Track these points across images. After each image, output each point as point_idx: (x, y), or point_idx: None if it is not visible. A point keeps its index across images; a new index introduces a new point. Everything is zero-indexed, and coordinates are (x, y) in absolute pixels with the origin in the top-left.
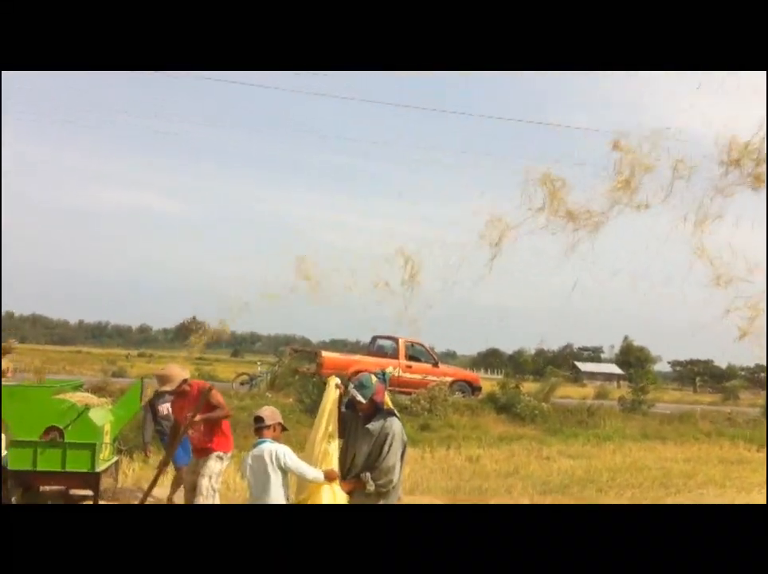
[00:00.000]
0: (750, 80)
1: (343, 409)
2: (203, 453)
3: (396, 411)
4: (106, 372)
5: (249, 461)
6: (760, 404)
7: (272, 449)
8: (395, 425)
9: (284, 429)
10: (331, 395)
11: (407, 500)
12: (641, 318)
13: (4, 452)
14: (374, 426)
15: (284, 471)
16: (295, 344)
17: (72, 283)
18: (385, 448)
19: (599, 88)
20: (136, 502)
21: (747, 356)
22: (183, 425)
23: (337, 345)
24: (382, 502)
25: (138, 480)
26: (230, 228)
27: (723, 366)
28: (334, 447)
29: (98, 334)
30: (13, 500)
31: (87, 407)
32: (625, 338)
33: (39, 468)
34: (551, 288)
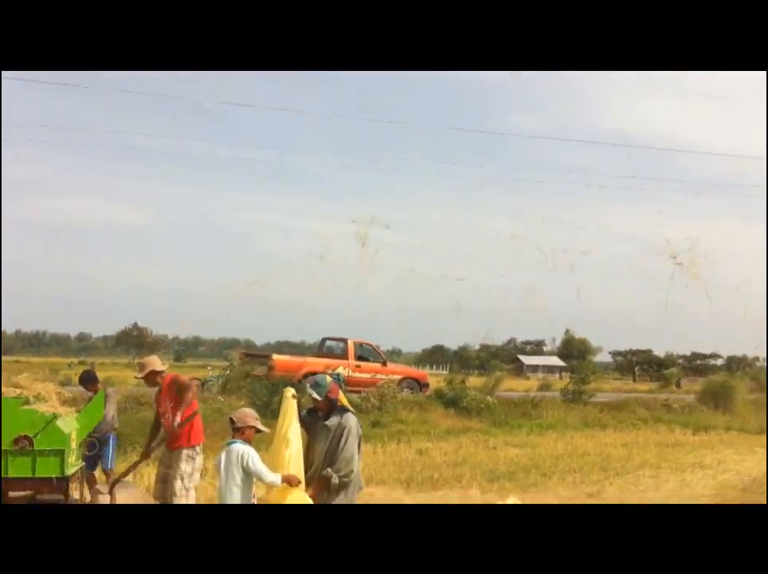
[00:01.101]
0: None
1: (303, 413)
2: (174, 446)
3: (351, 408)
4: (51, 382)
5: (221, 458)
6: (695, 391)
7: (240, 450)
8: (351, 419)
9: (258, 431)
10: (289, 404)
11: (365, 490)
12: (582, 311)
13: None
14: (331, 422)
15: (248, 472)
16: (241, 348)
17: (6, 293)
18: (342, 441)
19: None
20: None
21: (684, 345)
22: (162, 418)
23: (282, 347)
24: (343, 493)
25: (102, 483)
26: (171, 233)
27: (662, 355)
28: (292, 452)
29: (36, 343)
30: None
31: (54, 416)
32: (567, 331)
33: (10, 475)
34: (495, 285)
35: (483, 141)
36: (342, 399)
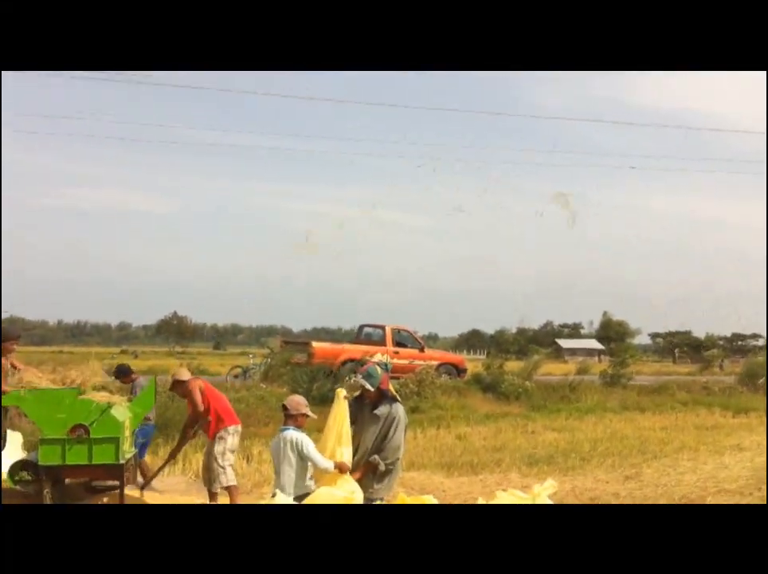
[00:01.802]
0: None
1: (350, 401)
2: (210, 435)
3: (399, 397)
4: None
5: (275, 444)
6: (736, 372)
7: (294, 436)
8: (400, 409)
9: (308, 416)
10: (341, 405)
11: (406, 475)
12: (621, 293)
13: (10, 454)
14: (381, 411)
15: (303, 457)
16: (278, 336)
17: (48, 283)
18: (392, 430)
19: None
20: (139, 489)
21: (724, 326)
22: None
23: (319, 333)
24: (387, 479)
25: (152, 469)
26: (208, 224)
27: (702, 336)
28: (346, 452)
29: (77, 333)
30: (45, 493)
31: (109, 405)
32: (605, 313)
33: (68, 462)
34: (530, 268)
35: (512, 123)
36: (392, 388)
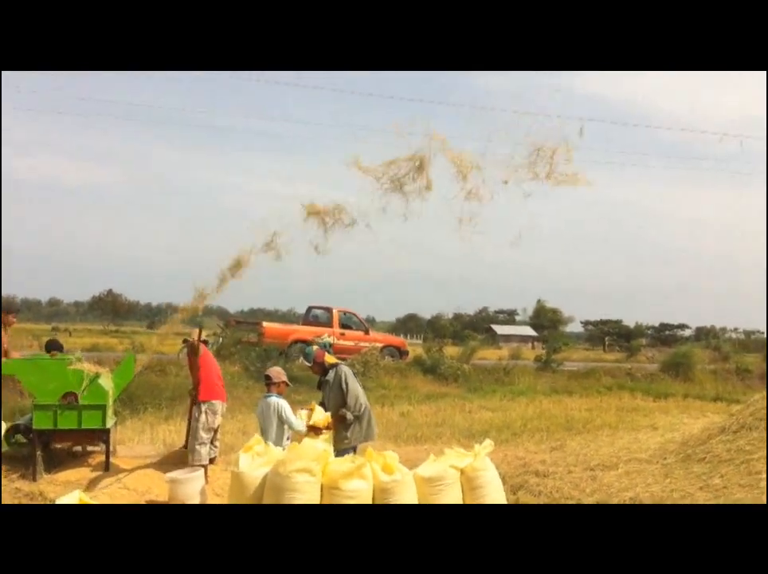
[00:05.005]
0: None
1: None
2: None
3: (339, 361)
4: (41, 347)
5: (260, 407)
6: (659, 360)
7: (276, 402)
8: (342, 369)
9: (287, 385)
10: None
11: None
12: (555, 281)
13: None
14: (329, 376)
15: (282, 420)
16: (215, 316)
17: None
18: (344, 385)
19: None
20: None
21: (653, 316)
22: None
23: (257, 314)
24: (358, 425)
25: (120, 439)
26: (145, 197)
27: (632, 325)
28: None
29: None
30: (38, 455)
31: (97, 375)
32: (539, 301)
33: (59, 427)
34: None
35: (451, 108)
36: (329, 358)
